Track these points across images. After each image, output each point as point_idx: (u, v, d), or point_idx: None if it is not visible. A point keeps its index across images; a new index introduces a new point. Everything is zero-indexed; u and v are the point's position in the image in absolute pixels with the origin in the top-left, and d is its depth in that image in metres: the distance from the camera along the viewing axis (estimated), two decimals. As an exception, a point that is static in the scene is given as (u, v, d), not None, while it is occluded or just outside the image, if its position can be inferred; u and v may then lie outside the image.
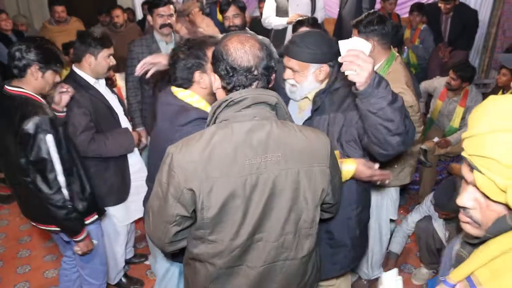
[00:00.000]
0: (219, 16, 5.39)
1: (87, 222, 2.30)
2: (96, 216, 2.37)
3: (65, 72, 4.76)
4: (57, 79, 2.24)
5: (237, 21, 3.38)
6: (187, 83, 1.91)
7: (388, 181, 2.07)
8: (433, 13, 5.41)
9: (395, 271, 1.38)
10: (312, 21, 3.00)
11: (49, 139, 2.04)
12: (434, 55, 5.28)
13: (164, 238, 1.50)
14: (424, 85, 4.34)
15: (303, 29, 2.86)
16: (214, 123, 1.46)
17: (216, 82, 1.50)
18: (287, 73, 1.98)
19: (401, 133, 1.68)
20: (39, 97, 2.17)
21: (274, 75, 1.52)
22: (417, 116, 2.62)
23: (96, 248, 2.41)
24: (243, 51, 1.40)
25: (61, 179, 2.11)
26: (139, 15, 6.97)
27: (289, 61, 1.94)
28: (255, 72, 1.41)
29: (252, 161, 1.37)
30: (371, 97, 1.59)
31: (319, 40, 1.92)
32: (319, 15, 4.53)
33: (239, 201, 1.39)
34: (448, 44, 5.39)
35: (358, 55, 1.52)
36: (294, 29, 3.07)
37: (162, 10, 3.25)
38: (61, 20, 5.41)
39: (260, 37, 2.74)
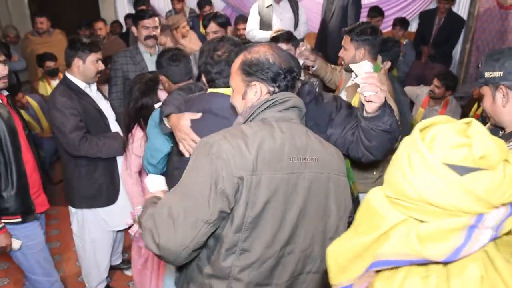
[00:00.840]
0: (202, 29, 5.49)
1: (4, 221, 2.28)
2: (19, 219, 2.34)
3: (41, 84, 4.84)
4: (1, 72, 2.27)
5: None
6: None
7: None
8: (426, 17, 5.70)
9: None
10: (287, 36, 3.04)
11: None
12: (413, 69, 5.44)
13: (190, 243, 1.29)
14: (407, 90, 4.45)
15: (280, 45, 2.92)
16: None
17: (255, 90, 1.47)
18: None
19: (397, 137, 1.79)
20: None
21: None
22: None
23: (34, 258, 2.43)
24: (280, 55, 1.47)
25: None
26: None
27: None
28: (294, 72, 1.48)
29: (295, 160, 1.36)
30: (384, 116, 1.68)
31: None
32: (302, 29, 4.63)
33: (281, 201, 1.34)
34: (432, 45, 5.57)
35: (377, 77, 1.60)
36: None
37: (147, 22, 3.31)
38: (42, 31, 5.40)
39: None
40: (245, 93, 1.48)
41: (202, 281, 1.41)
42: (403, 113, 3.63)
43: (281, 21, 4.47)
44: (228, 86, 1.78)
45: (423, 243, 0.80)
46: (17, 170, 2.29)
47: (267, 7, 4.47)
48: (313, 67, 3.14)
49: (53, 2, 7.06)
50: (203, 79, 1.89)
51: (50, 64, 4.79)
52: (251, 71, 1.45)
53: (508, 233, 0.82)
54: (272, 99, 1.41)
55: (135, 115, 2.47)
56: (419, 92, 4.34)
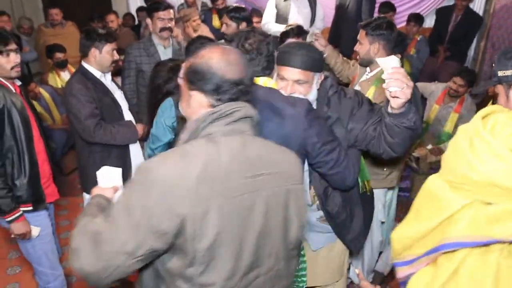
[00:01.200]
0: (215, 23, 5.47)
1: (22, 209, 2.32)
2: (30, 207, 2.37)
3: (50, 76, 4.86)
4: (14, 60, 2.29)
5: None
6: (271, 68, 1.87)
7: None
8: (443, 14, 5.59)
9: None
10: (297, 31, 3.03)
11: None
12: (426, 65, 5.37)
13: (113, 272, 1.15)
14: (420, 86, 4.38)
15: (290, 40, 2.90)
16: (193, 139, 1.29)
17: (196, 100, 1.30)
18: (290, 87, 1.88)
19: (419, 134, 1.77)
20: (2, 80, 2.28)
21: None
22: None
23: (42, 248, 2.45)
24: (229, 62, 1.28)
25: None
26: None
27: (293, 73, 1.87)
28: (243, 85, 1.29)
29: (248, 179, 1.23)
30: (409, 113, 1.67)
31: (314, 49, 1.97)
32: (318, 25, 4.59)
33: (236, 226, 1.20)
34: (448, 42, 5.48)
35: (404, 73, 1.59)
36: (281, 40, 3.11)
37: (162, 14, 3.31)
38: (56, 23, 5.43)
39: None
40: (188, 104, 1.33)
41: None
42: (418, 109, 3.58)
43: (298, 14, 4.44)
44: (258, 75, 1.81)
45: (492, 225, 0.88)
46: (30, 159, 2.33)
47: (285, 0, 4.45)
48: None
49: (65, -6, 7.09)
50: None
51: (59, 55, 4.81)
52: (193, 79, 1.29)
53: None
54: (216, 112, 1.25)
55: (158, 103, 2.48)
56: (433, 89, 4.26)
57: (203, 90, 1.27)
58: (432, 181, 1.01)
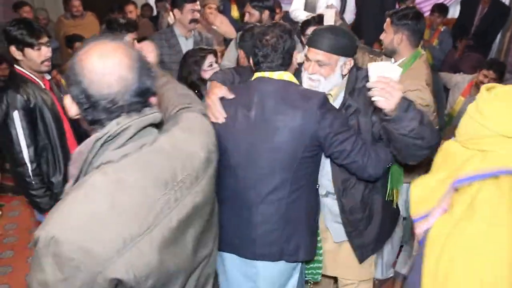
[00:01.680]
0: (234, 13, 5.41)
1: None
2: None
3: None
4: (44, 54, 2.29)
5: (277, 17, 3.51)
6: (287, 64, 1.90)
7: None
8: (468, 6, 5.44)
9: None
10: (318, 19, 2.99)
11: (16, 115, 2.17)
12: (448, 57, 5.24)
13: None
14: (443, 77, 4.26)
15: (311, 28, 2.84)
16: (85, 172, 1.04)
17: (73, 109, 1.08)
18: (312, 67, 1.93)
19: (432, 146, 1.73)
20: (30, 75, 2.29)
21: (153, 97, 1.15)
22: (432, 116, 2.59)
23: None
24: (102, 71, 1.00)
25: (26, 154, 2.20)
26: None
27: (316, 54, 1.91)
28: (120, 102, 1.03)
29: (166, 196, 1.07)
30: (402, 121, 1.65)
31: (346, 33, 1.95)
32: (347, 17, 4.52)
33: (172, 252, 1.09)
34: (473, 35, 5.32)
35: (389, 83, 1.57)
36: (302, 30, 3.08)
37: (191, 5, 3.30)
38: (77, 14, 5.48)
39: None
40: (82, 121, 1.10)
41: None
42: (441, 105, 3.49)
43: (327, 6, 4.37)
44: (273, 70, 1.85)
45: (503, 158, 1.11)
46: (64, 156, 2.34)
47: None
48: None
49: (85, -15, 7.10)
50: (250, 61, 1.95)
51: (79, 45, 4.81)
52: (69, 82, 1.06)
53: None
54: (101, 137, 1.02)
55: (193, 87, 2.46)
56: (459, 80, 4.12)
57: (76, 99, 1.04)
58: (447, 143, 1.28)
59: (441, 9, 5.24)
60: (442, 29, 5.20)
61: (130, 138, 1.05)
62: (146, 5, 6.75)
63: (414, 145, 1.71)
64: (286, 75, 1.87)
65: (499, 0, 5.59)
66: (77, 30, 5.13)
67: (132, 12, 5.62)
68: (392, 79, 1.58)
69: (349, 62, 1.95)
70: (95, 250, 0.94)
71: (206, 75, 2.46)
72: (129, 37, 2.63)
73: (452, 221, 1.14)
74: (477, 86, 3.95)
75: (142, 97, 1.07)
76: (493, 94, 1.15)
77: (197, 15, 3.35)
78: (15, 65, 2.30)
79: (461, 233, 1.11)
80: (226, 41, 4.24)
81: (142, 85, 1.06)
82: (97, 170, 1.02)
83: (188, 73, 2.53)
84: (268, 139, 1.78)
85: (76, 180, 1.05)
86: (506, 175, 1.10)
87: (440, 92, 3.48)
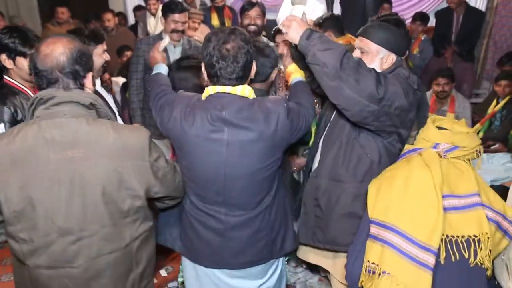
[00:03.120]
0: (214, 22, 5.38)
1: None
2: None
3: None
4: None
5: (259, 22, 3.43)
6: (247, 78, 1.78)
7: None
8: (443, 16, 5.51)
9: None
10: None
11: (2, 128, 2.08)
12: (432, 65, 5.29)
13: None
14: None
15: (281, 36, 2.81)
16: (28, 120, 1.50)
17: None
18: (355, 54, 1.97)
19: (340, 77, 1.73)
20: (20, 85, 2.21)
21: (88, 75, 1.55)
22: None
23: None
24: (45, 53, 1.45)
25: None
26: (131, 20, 6.92)
27: (361, 41, 1.98)
28: (52, 76, 1.46)
29: (58, 156, 1.41)
30: (306, 49, 1.80)
31: (396, 30, 1.95)
32: None
33: (45, 194, 1.41)
34: (455, 43, 5.41)
35: (291, 19, 1.85)
36: (273, 37, 3.15)
37: (177, 16, 3.22)
38: (62, 21, 5.42)
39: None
40: None
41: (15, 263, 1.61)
42: (422, 108, 3.49)
43: (313, 12, 4.37)
44: (233, 84, 1.70)
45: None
46: None
47: None
48: None
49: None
50: (204, 72, 1.76)
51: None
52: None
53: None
54: (37, 97, 1.46)
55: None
56: (428, 97, 4.22)
57: (30, 69, 1.51)
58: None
59: (422, 18, 5.31)
60: (422, 38, 5.27)
61: (56, 105, 1.44)
62: (120, 14, 6.63)
63: (322, 74, 1.78)
64: (247, 90, 1.73)
65: (472, 7, 5.71)
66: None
67: (110, 20, 5.49)
68: (296, 16, 1.83)
69: (391, 58, 1.95)
70: None
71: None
72: (99, 49, 2.45)
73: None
74: (438, 97, 4.05)
75: (72, 78, 1.48)
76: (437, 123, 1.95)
77: (179, 27, 3.27)
78: (4, 75, 2.20)
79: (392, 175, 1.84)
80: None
81: (71, 68, 1.47)
82: (31, 120, 1.46)
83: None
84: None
85: None
86: (416, 152, 1.89)
87: (423, 100, 3.50)
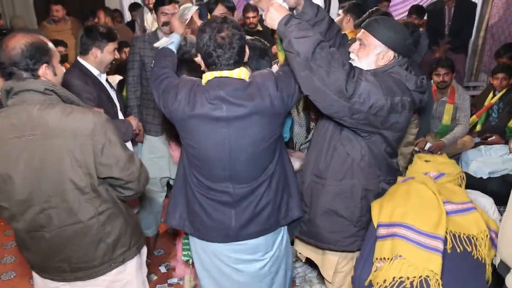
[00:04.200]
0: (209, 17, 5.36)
1: None
2: None
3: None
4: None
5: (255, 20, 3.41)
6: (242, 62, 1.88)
7: None
8: (435, 10, 5.48)
9: None
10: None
11: None
12: (425, 59, 5.28)
13: None
14: None
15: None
16: None
17: None
18: (354, 45, 1.99)
19: (310, 67, 1.72)
20: None
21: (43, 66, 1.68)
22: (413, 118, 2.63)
23: None
24: (4, 47, 1.62)
25: None
26: (127, 17, 6.90)
27: (363, 34, 1.96)
28: (9, 70, 1.64)
29: (16, 138, 1.60)
30: (283, 35, 1.79)
31: (398, 28, 1.93)
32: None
33: (12, 172, 1.62)
34: (449, 36, 5.40)
35: (271, 4, 1.83)
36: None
37: (166, 8, 3.20)
38: (57, 19, 5.39)
39: None
40: None
41: None
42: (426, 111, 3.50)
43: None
44: (230, 69, 1.80)
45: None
46: None
47: None
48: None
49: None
50: (202, 61, 1.85)
51: (61, 49, 4.71)
52: None
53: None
54: (2, 89, 1.66)
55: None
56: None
57: None
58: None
59: (418, 11, 5.26)
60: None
61: (16, 94, 1.64)
62: (116, 11, 6.62)
63: (295, 62, 1.76)
64: (242, 72, 1.82)
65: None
66: (60, 35, 5.03)
67: (101, 18, 5.52)
68: (276, 1, 1.84)
69: (388, 55, 1.91)
70: None
71: None
72: (111, 46, 2.59)
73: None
74: (438, 88, 4.02)
75: (24, 70, 1.64)
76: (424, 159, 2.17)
77: (169, 18, 3.26)
78: None
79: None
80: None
81: (22, 61, 1.62)
82: (3, 109, 1.66)
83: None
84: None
85: None
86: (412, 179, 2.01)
87: (429, 97, 3.50)
